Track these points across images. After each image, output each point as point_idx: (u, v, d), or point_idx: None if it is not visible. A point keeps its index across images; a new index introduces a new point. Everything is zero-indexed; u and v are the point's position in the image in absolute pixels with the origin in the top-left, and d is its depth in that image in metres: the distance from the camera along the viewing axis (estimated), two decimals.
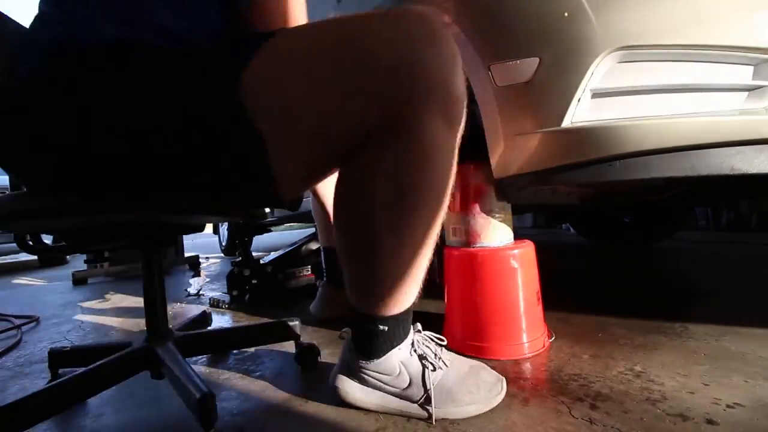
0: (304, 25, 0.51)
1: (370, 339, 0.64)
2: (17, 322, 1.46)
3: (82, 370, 0.67)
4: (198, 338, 0.89)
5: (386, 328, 0.62)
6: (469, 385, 0.64)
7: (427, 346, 0.67)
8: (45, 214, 0.56)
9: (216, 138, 0.46)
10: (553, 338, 0.93)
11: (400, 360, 0.65)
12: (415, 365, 0.65)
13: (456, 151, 0.51)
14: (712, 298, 1.21)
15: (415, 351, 0.66)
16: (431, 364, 0.65)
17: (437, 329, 0.99)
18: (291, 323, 0.91)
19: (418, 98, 0.42)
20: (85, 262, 2.73)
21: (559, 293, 1.39)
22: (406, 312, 0.64)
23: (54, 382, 0.66)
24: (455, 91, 0.45)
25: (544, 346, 0.88)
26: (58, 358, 0.84)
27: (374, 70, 0.41)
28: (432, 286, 1.37)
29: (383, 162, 0.46)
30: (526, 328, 0.86)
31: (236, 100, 0.44)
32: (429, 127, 0.44)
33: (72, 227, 0.68)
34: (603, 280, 1.60)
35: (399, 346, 0.65)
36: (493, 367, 0.72)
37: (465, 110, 0.49)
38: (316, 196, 1.18)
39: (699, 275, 1.56)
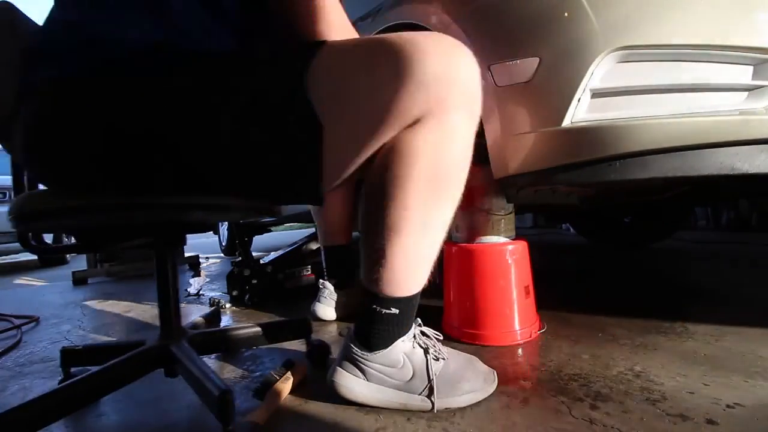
0: (355, 38, 0.61)
1: (377, 328, 0.65)
2: (17, 322, 1.46)
3: (96, 369, 0.67)
4: (212, 336, 0.88)
5: (397, 311, 0.65)
6: (467, 375, 0.68)
7: (427, 339, 0.70)
8: (72, 213, 0.56)
9: (279, 129, 0.54)
10: (544, 329, 0.98)
11: (403, 352, 0.67)
12: (419, 356, 0.67)
13: (472, 140, 0.60)
14: (712, 298, 1.21)
15: (417, 344, 0.68)
16: (434, 354, 0.67)
17: (437, 320, 1.03)
18: (303, 321, 0.91)
19: (453, 98, 0.55)
20: (99, 261, 2.74)
21: (560, 293, 1.39)
22: (416, 298, 0.67)
23: (68, 382, 0.65)
24: (476, 95, 0.58)
25: (534, 335, 0.95)
26: (70, 356, 0.83)
27: (425, 75, 0.52)
28: (432, 288, 1.39)
29: (420, 140, 0.56)
30: (518, 318, 0.93)
31: (303, 95, 0.52)
32: (456, 117, 0.56)
33: (90, 226, 0.68)
34: (603, 280, 1.60)
35: (403, 338, 0.67)
36: (489, 358, 0.72)
37: (480, 109, 0.60)
38: None
39: (699, 275, 1.56)
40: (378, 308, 0.65)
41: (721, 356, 0.78)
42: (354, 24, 1.77)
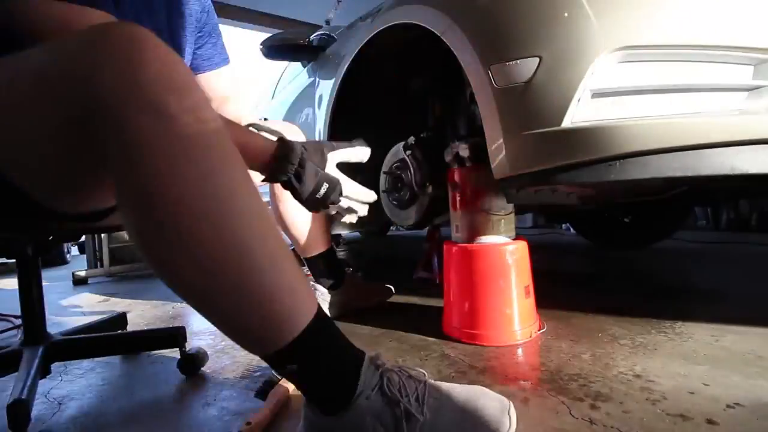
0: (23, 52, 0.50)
1: (317, 387, 0.50)
2: (17, 322, 1.46)
3: None
4: (76, 343, 0.90)
5: (294, 366, 0.48)
6: (468, 426, 0.52)
7: (403, 386, 0.52)
8: None
9: None
10: (544, 329, 0.98)
11: (372, 414, 0.49)
12: (389, 417, 0.49)
13: (213, 139, 0.45)
14: (712, 298, 1.21)
15: (388, 398, 0.50)
16: (413, 413, 0.50)
17: (437, 320, 1.03)
18: (176, 331, 0.90)
19: (113, 99, 0.42)
20: (99, 261, 2.73)
21: (560, 293, 1.39)
22: (313, 331, 0.47)
23: None
24: (158, 86, 0.43)
25: (534, 335, 0.95)
26: None
27: (71, 78, 0.42)
28: (433, 287, 1.39)
29: (115, 157, 0.43)
30: (518, 318, 0.93)
31: None
32: (133, 121, 0.42)
33: None
34: (603, 280, 1.60)
35: (365, 395, 0.49)
36: (489, 358, 0.72)
37: (194, 102, 0.45)
38: (279, 220, 1.15)
39: (699, 275, 1.56)
40: (287, 365, 0.48)
41: (721, 356, 0.78)
42: (354, 24, 1.77)
